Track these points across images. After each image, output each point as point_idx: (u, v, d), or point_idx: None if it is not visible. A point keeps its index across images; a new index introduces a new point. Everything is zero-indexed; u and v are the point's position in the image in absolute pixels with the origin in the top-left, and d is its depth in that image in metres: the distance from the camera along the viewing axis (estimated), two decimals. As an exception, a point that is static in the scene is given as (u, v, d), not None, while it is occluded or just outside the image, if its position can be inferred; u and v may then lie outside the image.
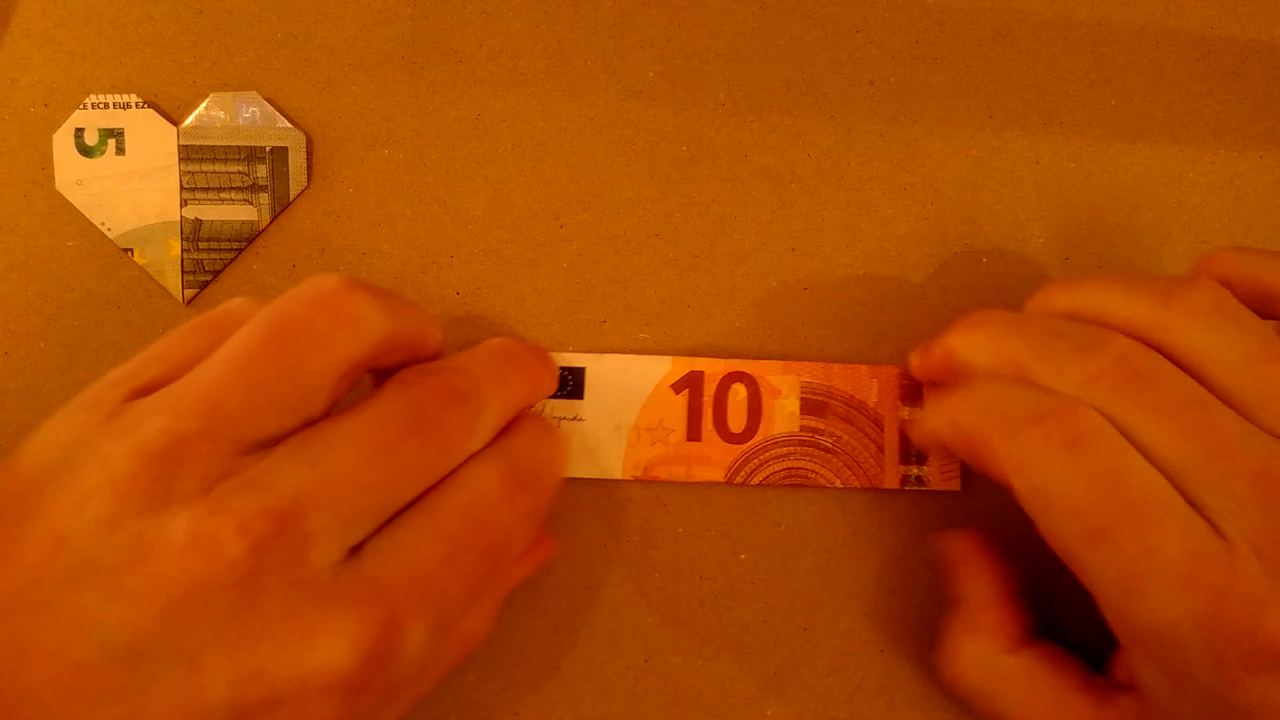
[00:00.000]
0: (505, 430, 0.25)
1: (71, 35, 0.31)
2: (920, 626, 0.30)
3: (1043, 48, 0.32)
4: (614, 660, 0.29)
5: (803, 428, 0.29)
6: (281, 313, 0.22)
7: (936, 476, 0.29)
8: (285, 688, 0.19)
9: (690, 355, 0.30)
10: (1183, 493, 0.22)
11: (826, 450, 0.29)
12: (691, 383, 0.30)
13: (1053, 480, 0.22)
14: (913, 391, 0.30)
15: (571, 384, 0.30)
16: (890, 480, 0.29)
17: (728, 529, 0.30)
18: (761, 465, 0.29)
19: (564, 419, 0.29)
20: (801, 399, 0.30)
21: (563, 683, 0.29)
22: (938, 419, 0.26)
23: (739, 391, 0.29)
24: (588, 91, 0.32)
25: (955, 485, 0.29)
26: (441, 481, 0.23)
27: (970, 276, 0.31)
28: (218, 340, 0.22)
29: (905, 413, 0.30)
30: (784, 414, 0.29)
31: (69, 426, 0.21)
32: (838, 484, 0.29)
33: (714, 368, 0.30)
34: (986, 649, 0.26)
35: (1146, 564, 0.21)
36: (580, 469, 0.29)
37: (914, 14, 0.32)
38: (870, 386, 0.30)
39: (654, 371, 0.30)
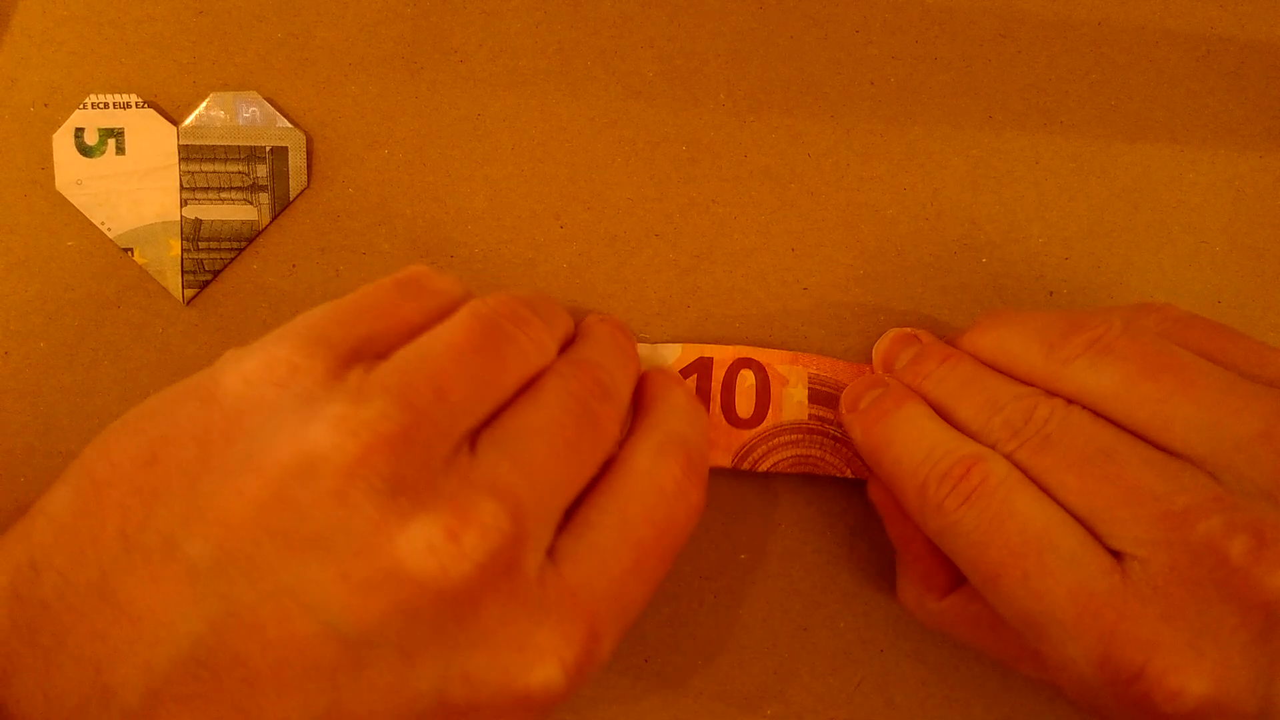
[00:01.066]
0: (654, 410, 0.25)
1: (71, 35, 0.31)
2: (920, 626, 0.30)
3: (1043, 48, 0.32)
4: (614, 660, 0.29)
5: (811, 416, 0.29)
6: (491, 317, 0.23)
7: None
8: (490, 695, 0.19)
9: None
10: (1100, 540, 0.22)
11: (835, 439, 0.29)
12: (700, 368, 0.29)
13: (946, 534, 0.24)
14: None
15: None
16: None
17: (728, 529, 0.30)
18: (770, 451, 0.29)
19: None
20: (810, 389, 0.29)
21: None
22: (859, 433, 0.27)
23: (747, 378, 0.29)
24: (588, 91, 0.32)
25: None
26: (614, 471, 0.23)
27: (970, 276, 0.31)
28: (425, 311, 0.23)
29: None
30: (792, 402, 0.29)
31: (279, 362, 0.20)
32: (848, 473, 0.29)
33: (723, 354, 0.30)
34: (923, 596, 0.27)
35: (1037, 605, 0.22)
36: None
37: (914, 14, 0.32)
38: None
39: (663, 357, 0.30)
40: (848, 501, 0.30)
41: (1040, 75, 0.32)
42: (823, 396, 0.29)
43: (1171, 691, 0.20)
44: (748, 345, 0.30)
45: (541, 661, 0.19)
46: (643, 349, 0.30)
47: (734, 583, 0.30)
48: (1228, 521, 0.20)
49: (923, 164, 0.32)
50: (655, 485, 0.23)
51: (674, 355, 0.30)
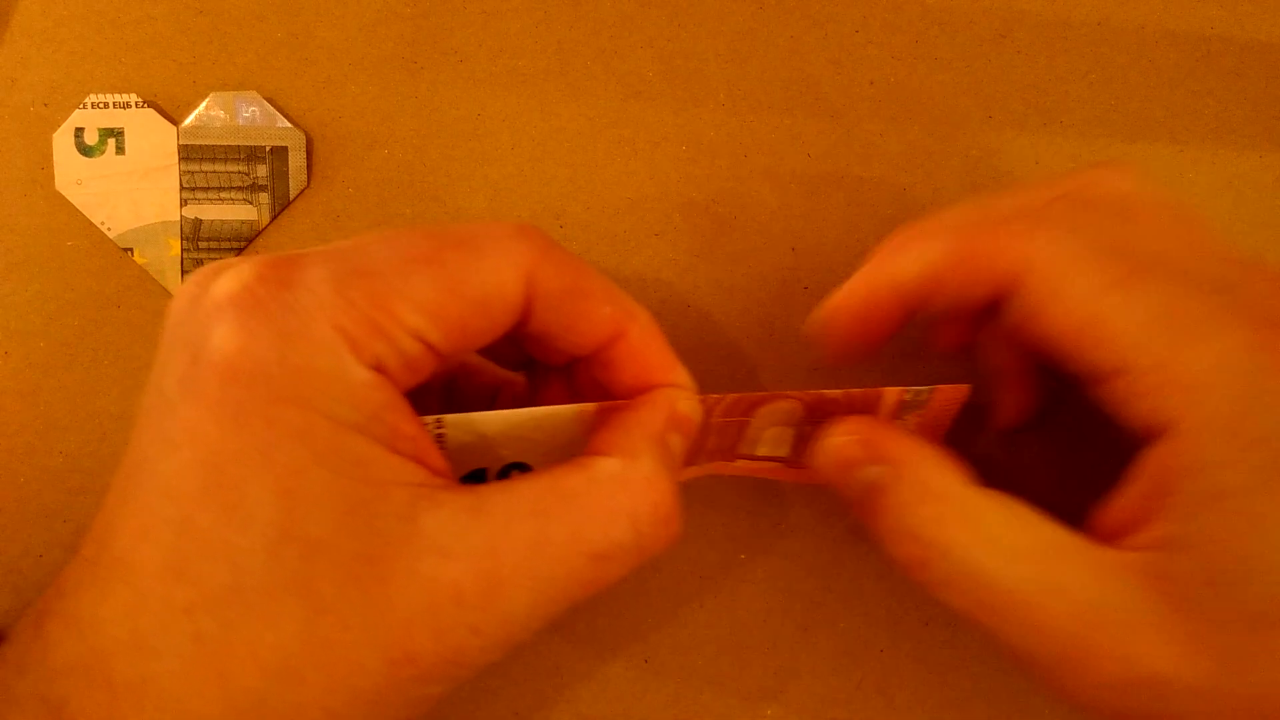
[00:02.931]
0: (654, 407, 0.25)
1: (71, 35, 0.31)
2: (920, 626, 0.30)
3: (1043, 48, 0.32)
4: (614, 660, 0.29)
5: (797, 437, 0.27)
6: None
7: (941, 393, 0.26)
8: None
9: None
10: None
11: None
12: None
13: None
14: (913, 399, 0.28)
15: None
16: (889, 397, 0.26)
17: (728, 529, 0.30)
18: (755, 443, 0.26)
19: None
20: (795, 433, 0.27)
21: (563, 683, 0.29)
22: (824, 458, 0.25)
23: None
24: (588, 91, 0.32)
25: (964, 389, 0.26)
26: (587, 466, 0.22)
27: (970, 276, 0.31)
28: None
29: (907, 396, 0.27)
30: (771, 439, 0.27)
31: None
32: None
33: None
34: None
35: None
36: None
37: (914, 14, 0.32)
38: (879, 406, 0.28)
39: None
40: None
41: (1040, 75, 0.32)
42: (803, 438, 0.27)
43: None
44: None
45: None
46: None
47: (734, 583, 0.30)
48: None
49: (923, 164, 0.32)
50: (629, 512, 0.21)
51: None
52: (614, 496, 0.21)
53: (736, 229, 0.31)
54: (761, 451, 0.27)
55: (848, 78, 0.32)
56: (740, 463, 0.27)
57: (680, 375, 0.24)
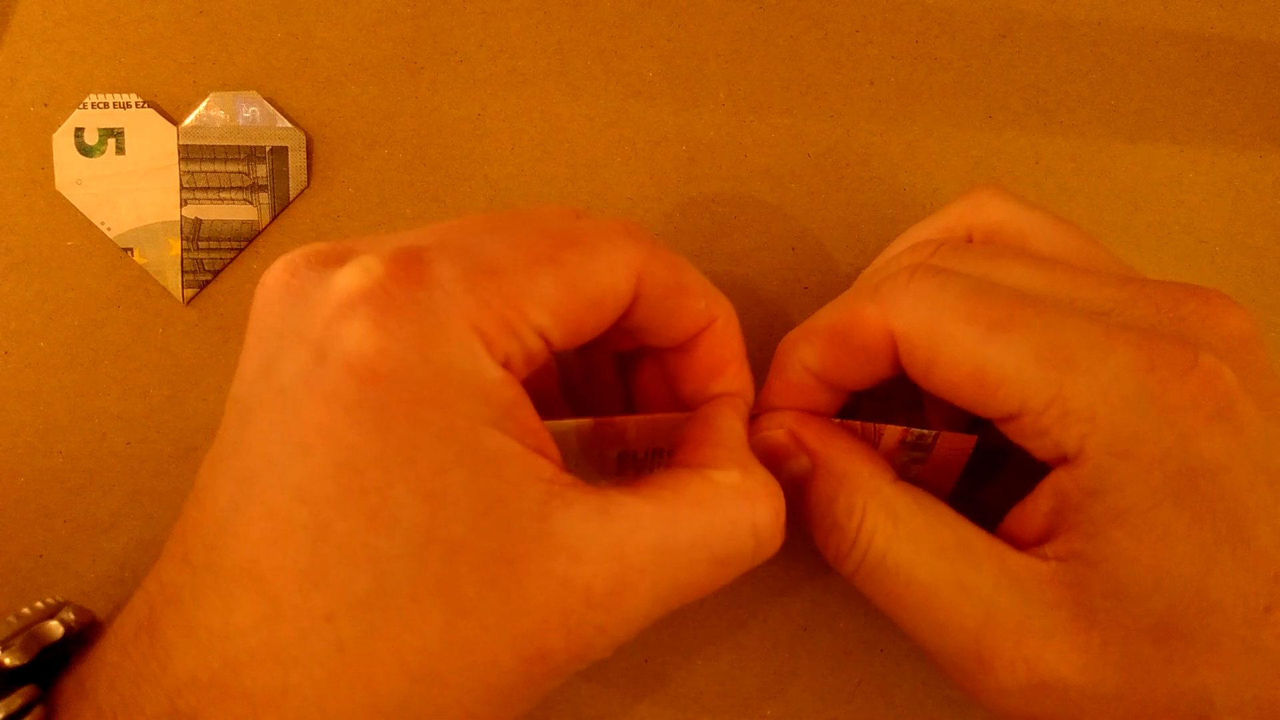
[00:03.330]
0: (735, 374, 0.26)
1: (71, 35, 0.31)
2: (920, 626, 0.30)
3: (1043, 48, 0.32)
4: (614, 660, 0.29)
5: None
6: None
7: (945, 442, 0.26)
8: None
9: None
10: None
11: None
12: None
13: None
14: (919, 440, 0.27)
15: None
16: (890, 438, 0.26)
17: (728, 529, 0.30)
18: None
19: None
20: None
21: (563, 683, 0.29)
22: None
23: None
24: (588, 91, 0.32)
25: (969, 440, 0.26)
26: (691, 478, 0.23)
27: (970, 276, 0.31)
28: None
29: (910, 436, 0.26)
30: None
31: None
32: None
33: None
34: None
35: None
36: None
37: (914, 14, 0.32)
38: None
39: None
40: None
41: (1040, 75, 0.32)
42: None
43: None
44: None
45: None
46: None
47: (734, 583, 0.30)
48: None
49: (923, 164, 0.32)
50: (751, 521, 0.22)
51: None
52: (738, 506, 0.21)
53: (736, 229, 0.31)
54: None
55: (848, 78, 0.32)
56: None
57: (746, 371, 0.25)
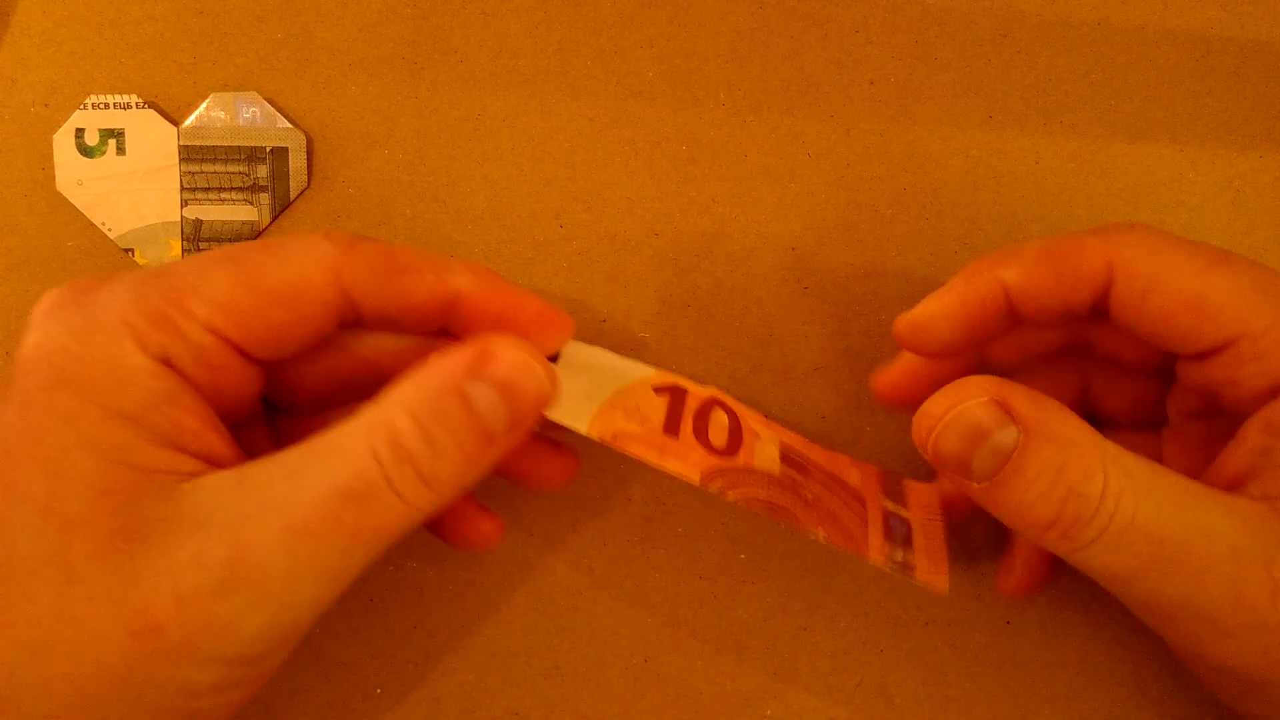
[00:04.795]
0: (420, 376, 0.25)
1: (71, 35, 0.31)
2: (920, 627, 0.30)
3: (1043, 48, 0.32)
4: (614, 660, 0.29)
5: (783, 474, 0.26)
6: None
7: (924, 565, 0.25)
8: None
9: (685, 360, 0.30)
10: None
11: (807, 503, 0.25)
12: (674, 392, 0.26)
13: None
14: (894, 487, 0.27)
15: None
16: (875, 554, 0.25)
17: (728, 529, 0.30)
18: (739, 483, 0.25)
19: None
20: (781, 453, 0.26)
21: (563, 683, 0.29)
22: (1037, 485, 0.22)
23: (721, 416, 0.26)
24: (588, 91, 0.32)
25: (943, 585, 0.25)
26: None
27: (970, 276, 0.31)
28: None
29: (889, 504, 0.27)
30: (764, 455, 0.26)
31: None
32: (820, 535, 0.25)
33: (696, 389, 0.27)
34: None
35: None
36: (551, 411, 0.24)
37: (914, 14, 0.32)
38: (850, 473, 0.27)
39: (636, 370, 0.27)
40: (848, 501, 0.30)
41: (1040, 75, 0.32)
42: (794, 463, 0.26)
43: None
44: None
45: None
46: (611, 359, 0.26)
47: (734, 583, 0.30)
48: None
49: (922, 164, 0.32)
50: (369, 447, 0.21)
51: (649, 372, 0.26)
52: (356, 437, 0.21)
53: (736, 229, 0.31)
54: (758, 463, 0.26)
55: (848, 78, 0.32)
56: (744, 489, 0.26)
57: (530, 310, 0.25)
